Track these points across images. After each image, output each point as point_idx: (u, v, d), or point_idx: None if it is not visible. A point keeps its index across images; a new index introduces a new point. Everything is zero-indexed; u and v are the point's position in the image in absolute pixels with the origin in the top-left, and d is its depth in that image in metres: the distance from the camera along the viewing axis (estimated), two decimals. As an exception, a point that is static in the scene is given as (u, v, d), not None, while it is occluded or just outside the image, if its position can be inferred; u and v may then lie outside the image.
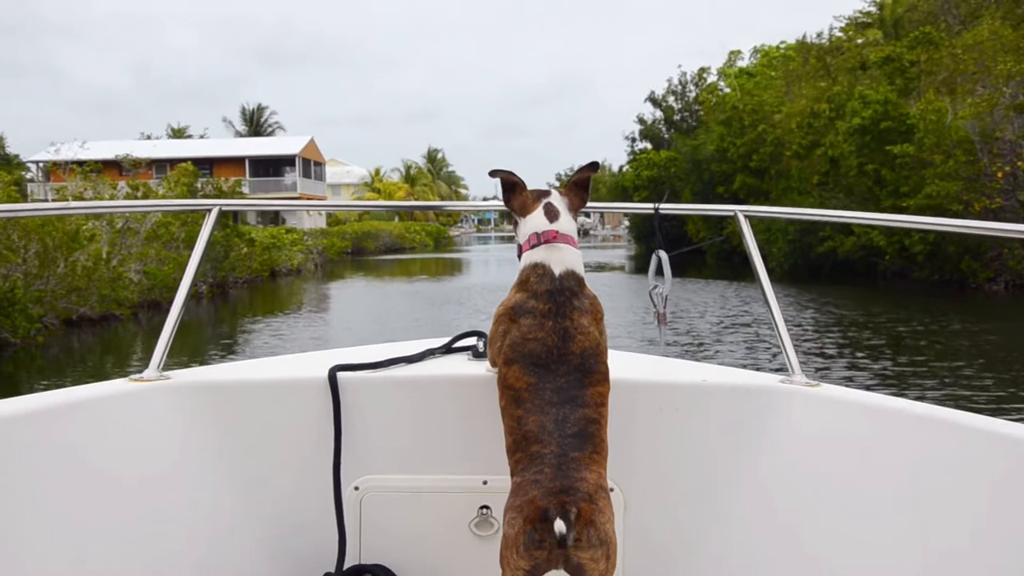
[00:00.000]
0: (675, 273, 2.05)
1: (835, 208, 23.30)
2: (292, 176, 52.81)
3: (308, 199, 51.38)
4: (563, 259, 1.67)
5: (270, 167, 53.19)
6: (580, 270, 1.69)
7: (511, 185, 1.78)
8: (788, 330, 2.05)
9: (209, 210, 2.10)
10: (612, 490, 1.80)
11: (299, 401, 1.95)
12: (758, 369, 2.28)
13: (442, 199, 72.56)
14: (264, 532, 1.93)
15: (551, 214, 1.73)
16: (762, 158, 31.96)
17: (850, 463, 1.82)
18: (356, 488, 1.95)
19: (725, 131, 34.82)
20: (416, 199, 65.08)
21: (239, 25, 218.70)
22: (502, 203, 1.82)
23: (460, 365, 2.05)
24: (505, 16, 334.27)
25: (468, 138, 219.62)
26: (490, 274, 31.89)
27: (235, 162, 51.65)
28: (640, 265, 34.06)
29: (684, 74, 51.58)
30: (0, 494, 1.54)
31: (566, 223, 1.74)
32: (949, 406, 1.85)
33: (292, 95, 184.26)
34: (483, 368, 1.96)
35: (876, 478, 1.76)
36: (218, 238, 21.64)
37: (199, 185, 23.62)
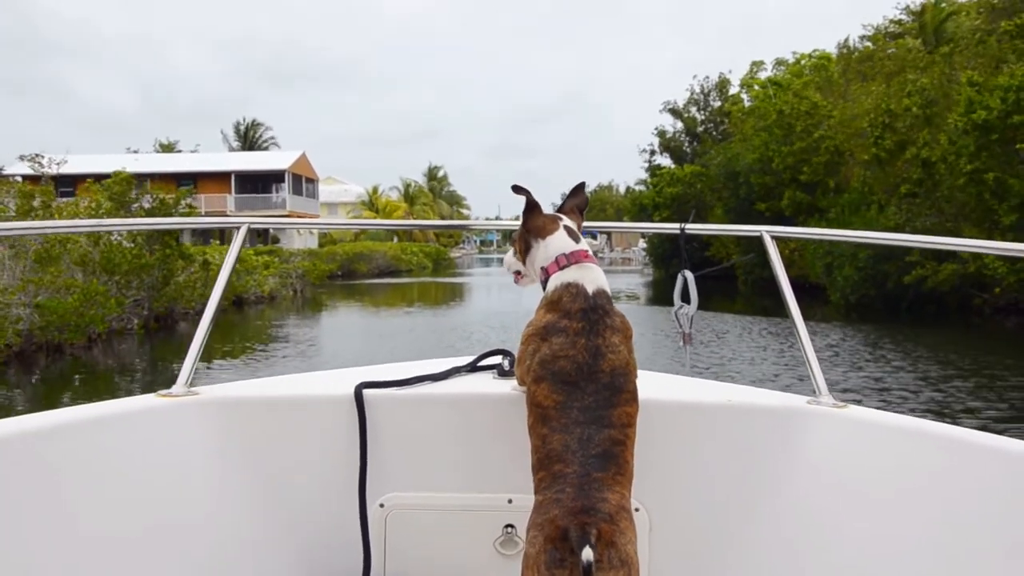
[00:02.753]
0: (699, 305, 2.09)
1: (921, 231, 18.80)
2: (281, 193, 49.53)
3: (299, 217, 47.69)
4: (595, 278, 1.69)
5: (258, 183, 50.30)
6: (609, 289, 1.71)
7: (532, 204, 1.79)
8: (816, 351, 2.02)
9: (237, 228, 2.15)
10: (637, 510, 1.82)
11: (325, 418, 1.95)
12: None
13: (443, 219, 68.77)
14: (290, 549, 1.94)
15: (573, 236, 1.77)
16: (815, 169, 27.31)
17: (878, 485, 1.81)
18: (381, 505, 1.95)
19: (768, 138, 30.09)
20: (415, 219, 61.04)
21: (245, 46, 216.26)
22: (508, 223, 1.90)
23: (486, 383, 2.05)
24: (510, 33, 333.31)
25: (471, 158, 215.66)
26: (492, 301, 27.32)
27: (221, 177, 48.69)
28: (660, 294, 29.31)
29: (707, 78, 47.31)
30: (29, 507, 1.56)
31: (585, 244, 1.77)
32: None
33: (297, 115, 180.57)
34: (508, 387, 1.95)
35: (905, 501, 1.75)
36: (153, 262, 17.45)
37: (134, 195, 19.02)
